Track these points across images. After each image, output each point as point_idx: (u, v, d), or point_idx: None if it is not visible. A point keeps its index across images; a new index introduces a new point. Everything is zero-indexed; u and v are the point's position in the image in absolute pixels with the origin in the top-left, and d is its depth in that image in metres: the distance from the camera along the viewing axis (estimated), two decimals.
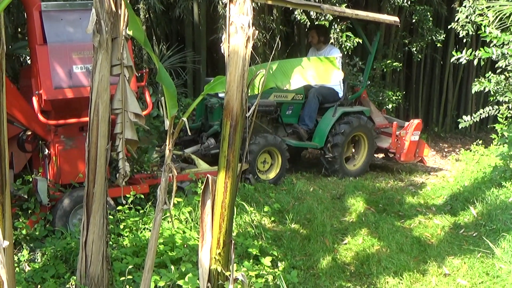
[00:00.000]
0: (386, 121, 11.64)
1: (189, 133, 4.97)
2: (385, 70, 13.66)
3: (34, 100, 6.63)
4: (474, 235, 7.56)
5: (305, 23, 11.88)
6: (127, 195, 7.11)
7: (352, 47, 12.30)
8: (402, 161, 11.14)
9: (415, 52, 13.89)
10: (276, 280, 5.82)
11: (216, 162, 9.94)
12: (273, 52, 4.91)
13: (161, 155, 8.73)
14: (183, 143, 9.78)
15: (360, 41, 11.98)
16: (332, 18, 11.83)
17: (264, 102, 9.87)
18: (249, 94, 4.62)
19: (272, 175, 9.78)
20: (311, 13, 11.61)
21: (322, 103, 10.63)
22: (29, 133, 7.25)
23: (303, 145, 10.54)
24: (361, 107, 11.14)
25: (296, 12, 11.99)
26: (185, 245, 6.29)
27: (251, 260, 6.20)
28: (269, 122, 10.36)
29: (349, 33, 12.24)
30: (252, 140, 9.36)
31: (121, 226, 6.71)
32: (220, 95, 9.42)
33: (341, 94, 10.81)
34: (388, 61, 13.44)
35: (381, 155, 11.95)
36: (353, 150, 11.08)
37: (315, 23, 11.72)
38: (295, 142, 10.29)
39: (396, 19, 10.72)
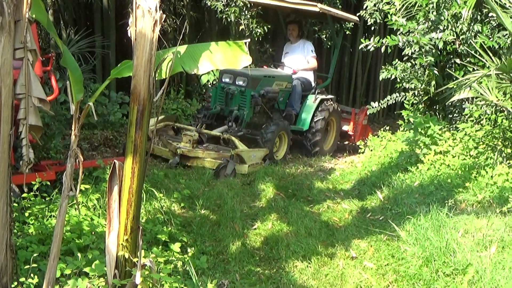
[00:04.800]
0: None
1: (95, 118, 4.85)
2: None
3: None
4: (381, 218, 7.73)
5: (216, 9, 11.84)
6: (33, 182, 6.93)
7: (262, 33, 12.37)
8: (355, 142, 12.45)
9: (325, 40, 14.09)
10: (185, 266, 5.79)
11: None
12: (181, 36, 4.87)
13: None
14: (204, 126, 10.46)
15: (267, 28, 12.57)
16: (242, 4, 11.89)
17: (272, 90, 11.01)
18: (156, 79, 4.56)
19: (281, 154, 11.05)
20: None
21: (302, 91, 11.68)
22: None
23: (292, 128, 11.35)
24: (330, 95, 12.40)
25: None
26: (93, 232, 6.17)
27: (160, 247, 6.13)
28: (269, 108, 11.27)
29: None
30: (269, 127, 10.59)
31: (26, 214, 6.51)
32: (238, 82, 10.58)
33: (313, 84, 11.90)
34: None
35: None
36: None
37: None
38: None
39: (357, 18, 12.15)
